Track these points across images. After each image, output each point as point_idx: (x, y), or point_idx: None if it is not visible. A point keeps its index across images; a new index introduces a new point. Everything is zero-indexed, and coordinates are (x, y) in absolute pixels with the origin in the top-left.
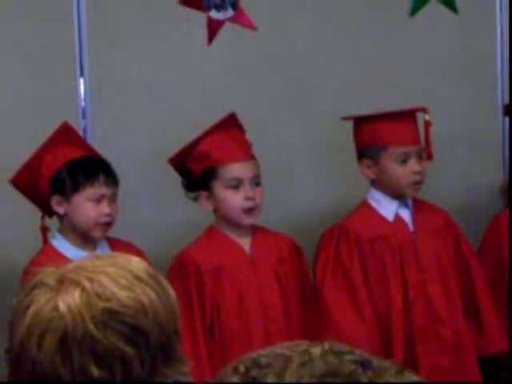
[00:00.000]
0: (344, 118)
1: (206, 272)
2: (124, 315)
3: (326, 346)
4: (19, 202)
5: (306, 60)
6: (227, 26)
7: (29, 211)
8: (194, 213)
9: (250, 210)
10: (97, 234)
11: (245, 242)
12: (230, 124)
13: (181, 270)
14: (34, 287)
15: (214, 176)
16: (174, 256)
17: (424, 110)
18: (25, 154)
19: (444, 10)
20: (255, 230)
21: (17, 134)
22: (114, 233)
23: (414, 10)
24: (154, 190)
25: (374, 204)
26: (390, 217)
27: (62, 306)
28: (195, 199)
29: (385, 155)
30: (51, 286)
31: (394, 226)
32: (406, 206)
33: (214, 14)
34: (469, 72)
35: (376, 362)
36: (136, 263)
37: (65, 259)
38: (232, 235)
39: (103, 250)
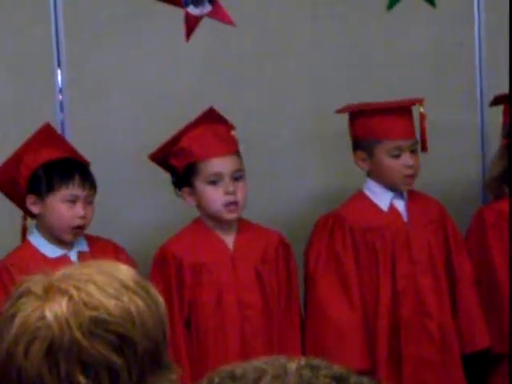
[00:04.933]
0: (338, 111)
1: (187, 267)
2: (111, 324)
3: (303, 361)
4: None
5: (288, 53)
6: (208, 21)
7: (9, 210)
8: (173, 209)
9: (230, 205)
10: (68, 237)
11: (229, 239)
12: (210, 119)
13: (162, 262)
14: (21, 295)
15: (194, 172)
16: (154, 253)
17: (420, 102)
18: (1, 149)
19: (421, 2)
20: (241, 226)
21: None
22: (91, 229)
23: (392, 2)
24: (131, 183)
25: (369, 194)
26: (384, 207)
27: (49, 315)
28: (182, 196)
29: (379, 149)
30: (38, 295)
31: (388, 217)
32: (402, 196)
33: (191, 9)
34: (447, 63)
35: (354, 378)
36: (124, 271)
37: (42, 256)
38: (216, 231)
39: (81, 247)
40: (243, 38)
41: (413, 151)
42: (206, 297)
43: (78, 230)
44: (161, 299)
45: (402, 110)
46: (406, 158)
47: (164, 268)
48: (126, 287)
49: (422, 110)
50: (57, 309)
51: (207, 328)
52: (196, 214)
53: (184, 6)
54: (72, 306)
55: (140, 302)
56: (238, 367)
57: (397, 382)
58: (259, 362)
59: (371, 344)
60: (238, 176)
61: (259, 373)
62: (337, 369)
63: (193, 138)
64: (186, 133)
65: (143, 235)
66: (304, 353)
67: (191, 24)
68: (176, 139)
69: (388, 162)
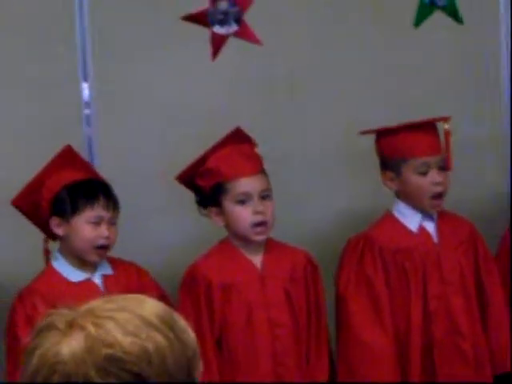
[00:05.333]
0: (362, 132)
1: (216, 287)
2: (126, 362)
3: None
4: (24, 223)
5: (314, 71)
6: (233, 41)
7: (33, 233)
8: (198, 229)
9: (259, 225)
10: (93, 258)
11: (257, 258)
12: (237, 139)
13: (191, 283)
14: (44, 329)
15: (222, 192)
16: (182, 272)
17: (445, 120)
18: (28, 164)
19: (447, 19)
20: (268, 245)
21: (20, 141)
22: (116, 250)
23: (418, 20)
24: (157, 201)
25: (398, 215)
26: (414, 228)
27: (65, 352)
28: (208, 215)
29: (405, 167)
30: (60, 329)
31: (418, 238)
32: (431, 217)
33: (217, 29)
34: (471, 78)
35: None
36: (149, 307)
37: (66, 281)
38: (244, 250)
39: (104, 270)
40: (270, 57)
41: (441, 168)
42: (235, 316)
43: (103, 250)
44: (190, 335)
45: (427, 127)
46: (434, 175)
47: (193, 287)
48: (148, 324)
49: (446, 126)
50: (73, 345)
51: (238, 347)
52: (221, 234)
53: (210, 25)
54: (88, 343)
55: (161, 340)
56: None
57: None
58: None
59: (404, 366)
60: (265, 195)
61: None
62: None
63: (220, 158)
64: (213, 153)
65: (169, 256)
66: (336, 376)
67: (217, 43)
68: (203, 160)
69: (415, 179)
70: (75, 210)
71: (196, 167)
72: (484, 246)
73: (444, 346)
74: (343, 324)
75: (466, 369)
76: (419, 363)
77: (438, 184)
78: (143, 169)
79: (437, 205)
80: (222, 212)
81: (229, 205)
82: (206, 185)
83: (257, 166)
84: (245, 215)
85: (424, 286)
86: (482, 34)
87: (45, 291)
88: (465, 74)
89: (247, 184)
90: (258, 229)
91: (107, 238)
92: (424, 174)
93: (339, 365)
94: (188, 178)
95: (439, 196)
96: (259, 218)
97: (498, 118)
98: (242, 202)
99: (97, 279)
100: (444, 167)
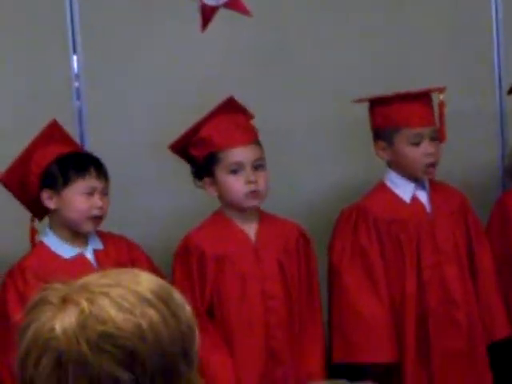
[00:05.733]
0: (356, 101)
1: (209, 258)
2: (119, 338)
3: None
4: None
5: (306, 42)
6: (224, 11)
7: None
8: (195, 199)
9: (252, 194)
10: (87, 227)
11: (250, 229)
12: (230, 108)
13: (185, 254)
14: (39, 303)
15: (215, 161)
16: (176, 245)
17: (440, 90)
18: (17, 138)
19: None
20: (262, 217)
21: (8, 113)
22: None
23: None
24: (149, 173)
25: (390, 185)
26: (407, 198)
27: (58, 328)
28: (202, 186)
29: (398, 137)
30: (54, 305)
31: (411, 208)
32: (423, 187)
33: (207, 0)
34: (464, 49)
35: None
36: (144, 282)
37: (57, 257)
38: (238, 221)
39: (95, 245)
40: (261, 28)
41: (433, 139)
42: (229, 288)
43: (96, 220)
44: (186, 311)
45: (421, 97)
46: (426, 146)
47: (186, 258)
48: (142, 300)
49: (441, 97)
50: (66, 321)
51: (231, 319)
52: (215, 206)
53: None
54: (81, 319)
55: (155, 316)
56: None
57: (425, 372)
58: None
59: (399, 336)
60: (258, 165)
61: None
62: None
63: (213, 128)
64: (206, 122)
65: (162, 228)
66: (331, 346)
67: (207, 14)
68: (196, 129)
69: (408, 150)
70: (67, 181)
71: (189, 137)
72: (474, 216)
73: (438, 315)
74: (338, 295)
75: (459, 338)
76: (414, 333)
77: (430, 155)
78: (135, 141)
79: (430, 172)
80: (215, 182)
81: (221, 174)
82: (199, 154)
83: (250, 136)
84: (237, 185)
85: (418, 256)
86: (473, 7)
87: (36, 268)
88: (457, 45)
89: (239, 154)
90: (250, 196)
91: (101, 208)
92: (417, 144)
93: (334, 336)
94: (181, 147)
95: (431, 165)
96: (251, 188)
97: (489, 89)
98: (234, 172)
99: (89, 254)
100: (436, 138)
